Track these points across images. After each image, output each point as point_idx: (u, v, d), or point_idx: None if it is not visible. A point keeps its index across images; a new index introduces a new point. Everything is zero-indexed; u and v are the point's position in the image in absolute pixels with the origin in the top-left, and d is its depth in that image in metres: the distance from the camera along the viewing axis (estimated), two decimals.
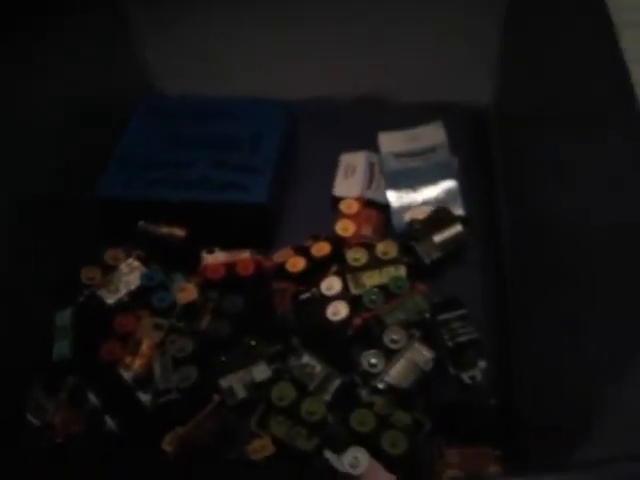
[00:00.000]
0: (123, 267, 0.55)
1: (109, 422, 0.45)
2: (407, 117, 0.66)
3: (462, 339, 0.47)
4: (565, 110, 0.45)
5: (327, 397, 0.46)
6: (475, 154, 0.65)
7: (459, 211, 0.58)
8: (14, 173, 0.53)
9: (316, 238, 0.57)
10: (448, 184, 0.60)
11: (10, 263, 0.51)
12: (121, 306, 0.54)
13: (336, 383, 0.47)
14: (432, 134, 0.65)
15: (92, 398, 0.47)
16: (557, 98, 0.47)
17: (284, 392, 0.45)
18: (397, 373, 0.47)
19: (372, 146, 0.65)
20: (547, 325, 0.44)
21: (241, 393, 0.47)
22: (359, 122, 0.66)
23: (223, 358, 0.49)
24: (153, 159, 0.59)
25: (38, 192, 0.54)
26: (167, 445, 0.43)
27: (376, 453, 0.42)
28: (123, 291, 0.54)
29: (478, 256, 0.56)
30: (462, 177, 0.61)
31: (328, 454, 0.43)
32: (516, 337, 0.49)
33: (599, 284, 0.37)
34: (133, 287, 0.54)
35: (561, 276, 0.43)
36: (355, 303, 0.52)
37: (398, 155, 0.63)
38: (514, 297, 0.52)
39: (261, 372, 0.48)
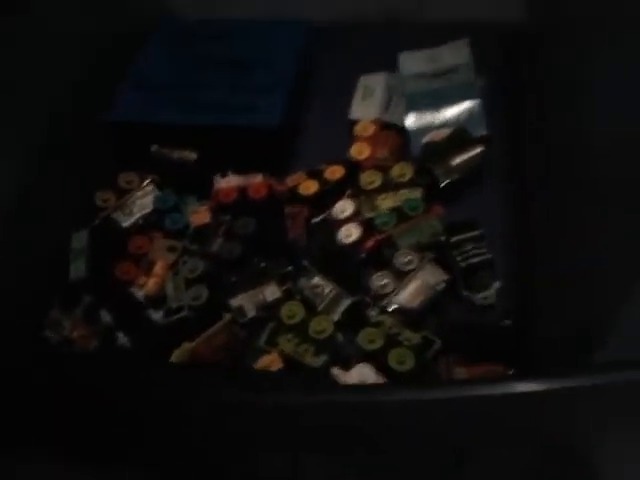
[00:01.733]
0: (137, 191, 0.55)
1: (121, 338, 0.46)
2: (432, 37, 0.63)
3: (475, 260, 0.45)
4: (604, 26, 0.42)
5: (336, 317, 0.46)
6: (503, 74, 0.61)
7: (482, 131, 0.55)
8: (28, 98, 0.52)
9: (330, 162, 0.55)
10: (470, 104, 0.57)
11: (27, 186, 0.52)
12: (135, 229, 0.54)
13: (345, 303, 0.46)
14: (455, 53, 0.62)
15: (105, 316, 0.47)
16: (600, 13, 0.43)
17: (293, 310, 0.45)
18: (408, 294, 0.46)
19: (393, 68, 0.62)
20: (566, 245, 0.42)
21: (251, 312, 0.47)
22: (380, 43, 0.64)
23: (234, 279, 0.49)
24: (167, 82, 0.58)
25: (53, 116, 0.54)
26: (176, 359, 0.43)
27: (383, 370, 0.42)
28: (137, 214, 0.54)
29: (499, 178, 0.54)
30: (488, 98, 0.58)
31: (336, 371, 0.43)
32: (534, 258, 0.47)
33: (620, 203, 0.35)
34: (147, 210, 0.54)
35: (583, 195, 0.41)
36: (368, 226, 0.51)
37: (419, 76, 0.61)
38: (534, 219, 0.50)
39: (271, 292, 0.48)
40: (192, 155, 0.55)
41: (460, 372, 0.41)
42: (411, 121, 0.57)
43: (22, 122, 0.52)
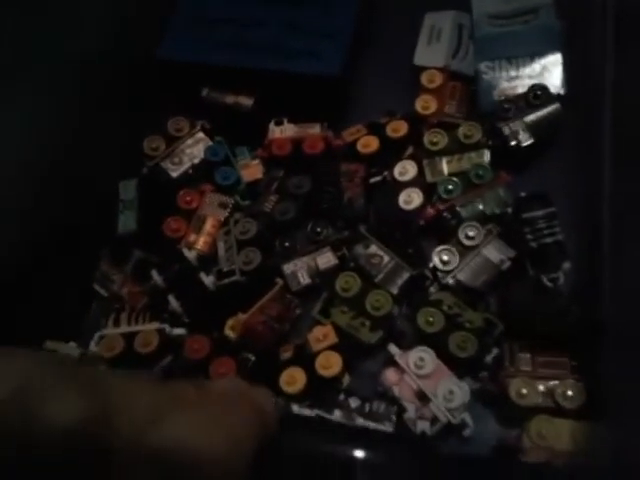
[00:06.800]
0: (187, 138, 0.52)
1: (173, 302, 0.45)
2: None
3: (547, 240, 0.42)
4: None
5: (394, 290, 0.44)
6: (585, 19, 0.55)
7: (559, 89, 0.50)
8: (72, 33, 0.49)
9: (392, 115, 0.51)
10: (549, 55, 0.52)
11: (73, 130, 0.49)
12: (185, 179, 0.52)
13: (404, 276, 0.44)
14: None
15: (155, 276, 0.46)
16: None
17: (349, 283, 0.43)
18: (470, 271, 0.44)
19: (463, 5, 0.56)
20: None
21: (305, 279, 0.46)
22: None
23: (287, 243, 0.47)
24: (220, 17, 0.54)
25: (99, 55, 0.51)
26: (229, 330, 0.42)
27: (442, 353, 0.40)
28: (187, 164, 0.52)
29: (574, 147, 0.50)
30: (566, 46, 0.53)
31: (393, 349, 0.41)
32: (608, 240, 0.44)
33: None
34: (197, 160, 0.52)
35: None
36: (430, 192, 0.48)
37: (493, 16, 0.55)
38: (610, 195, 0.46)
39: (326, 260, 0.46)
40: (248, 101, 0.52)
41: (524, 359, 0.40)
42: (482, 71, 0.52)
43: (66, 59, 0.49)
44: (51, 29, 0.48)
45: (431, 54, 0.55)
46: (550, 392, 0.38)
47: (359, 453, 0.21)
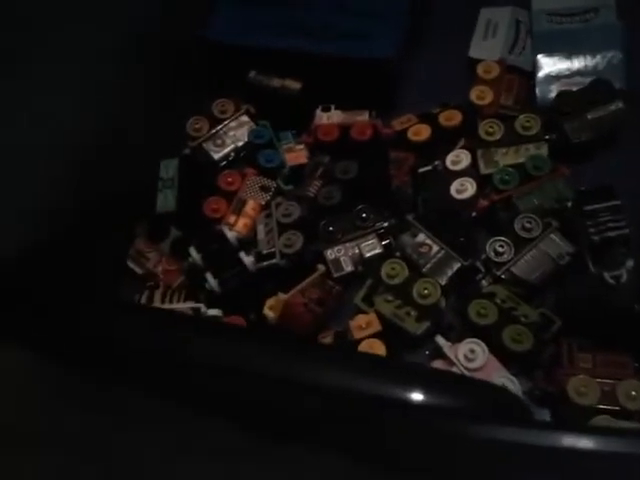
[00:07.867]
0: (231, 121, 0.51)
1: (210, 280, 0.43)
2: None
3: (611, 234, 0.40)
4: None
5: (443, 281, 0.41)
6: None
7: (622, 84, 0.48)
8: (118, 14, 0.48)
9: (446, 106, 0.50)
10: (610, 53, 0.50)
11: (117, 108, 0.48)
12: (227, 162, 0.50)
13: (454, 267, 0.42)
14: None
15: (194, 253, 0.44)
16: None
17: (396, 270, 0.41)
18: (526, 264, 0.41)
19: (520, 2, 0.55)
20: None
21: (348, 266, 0.43)
22: None
23: (331, 228, 0.45)
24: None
25: (147, 33, 0.50)
26: (268, 310, 0.40)
27: (494, 348, 0.38)
28: (230, 146, 0.51)
29: (636, 141, 0.47)
30: (628, 46, 0.51)
31: (441, 341, 0.39)
32: None
33: None
34: (240, 143, 0.51)
35: None
36: (484, 183, 0.45)
37: (552, 14, 0.53)
38: None
39: (371, 247, 0.44)
40: (295, 85, 0.50)
41: (584, 358, 0.37)
42: (540, 66, 0.51)
43: (113, 40, 0.48)
44: (98, 9, 0.48)
45: (487, 47, 0.53)
46: (612, 392, 0.35)
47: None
